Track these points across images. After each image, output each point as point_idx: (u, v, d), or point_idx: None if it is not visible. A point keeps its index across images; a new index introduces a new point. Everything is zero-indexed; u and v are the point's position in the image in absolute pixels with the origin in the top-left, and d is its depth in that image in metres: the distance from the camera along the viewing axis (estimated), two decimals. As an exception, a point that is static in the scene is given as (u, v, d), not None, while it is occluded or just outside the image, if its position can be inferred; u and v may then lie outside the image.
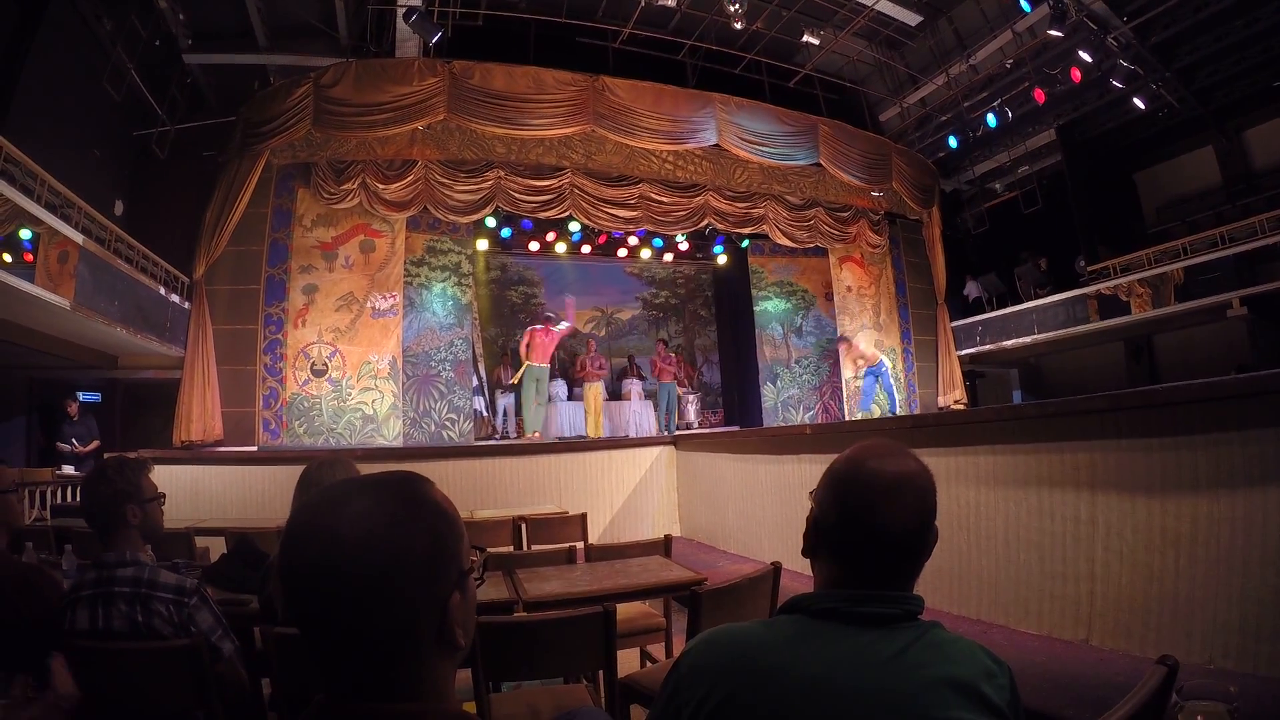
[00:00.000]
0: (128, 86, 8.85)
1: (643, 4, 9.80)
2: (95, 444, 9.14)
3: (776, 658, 1.06)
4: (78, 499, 7.14)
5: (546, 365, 11.28)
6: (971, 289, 14.18)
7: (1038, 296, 12.97)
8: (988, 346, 13.66)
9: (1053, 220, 13.06)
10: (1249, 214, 10.52)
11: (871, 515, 1.12)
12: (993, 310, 13.79)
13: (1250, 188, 11.79)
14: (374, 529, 0.81)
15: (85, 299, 7.13)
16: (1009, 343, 13.23)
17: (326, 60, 9.31)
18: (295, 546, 0.82)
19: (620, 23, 10.48)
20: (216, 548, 4.53)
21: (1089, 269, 12.13)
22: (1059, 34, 9.95)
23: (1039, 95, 11.09)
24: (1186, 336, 11.84)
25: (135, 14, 8.67)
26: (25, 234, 6.64)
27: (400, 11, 9.00)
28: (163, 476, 2.53)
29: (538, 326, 11.32)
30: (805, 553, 1.21)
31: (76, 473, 8.28)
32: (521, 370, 11.15)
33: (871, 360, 12.71)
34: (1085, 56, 10.39)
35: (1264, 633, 2.60)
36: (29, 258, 6.72)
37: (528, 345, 11.22)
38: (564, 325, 11.78)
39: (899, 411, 12.53)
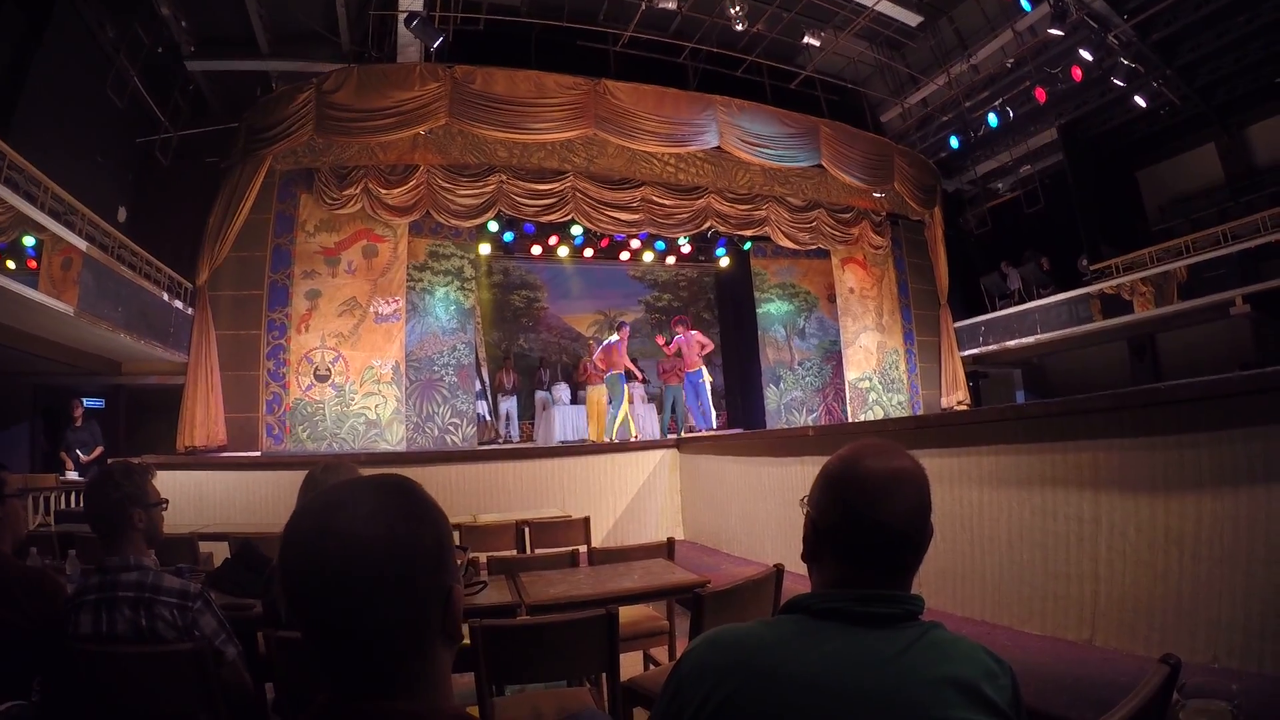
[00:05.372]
0: (131, 94, 8.87)
1: (644, 7, 9.81)
2: (99, 450, 9.16)
3: (778, 657, 1.06)
4: (81, 504, 7.16)
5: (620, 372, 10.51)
6: (1013, 279, 13.73)
7: (1040, 296, 12.93)
8: (991, 347, 13.61)
9: (1055, 219, 13.01)
10: (1252, 211, 10.46)
11: (875, 511, 1.12)
12: (1032, 300, 13.04)
13: (1253, 184, 11.74)
14: (392, 526, 0.83)
15: (89, 305, 7.14)
16: (1012, 343, 13.18)
17: (328, 66, 9.35)
18: (306, 549, 0.83)
19: (621, 26, 10.48)
20: (220, 553, 4.53)
21: (1092, 268, 12.09)
22: (1059, 33, 9.95)
23: (1040, 94, 11.09)
24: (1190, 335, 11.78)
25: (139, 22, 8.70)
26: (29, 241, 6.64)
27: (401, 17, 9.02)
28: (166, 482, 2.54)
29: (612, 341, 10.47)
30: (805, 558, 1.21)
31: (80, 478, 8.29)
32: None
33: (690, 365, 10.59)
34: (1086, 55, 10.39)
35: (1268, 631, 2.59)
36: (33, 264, 6.73)
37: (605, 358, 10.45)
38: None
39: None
